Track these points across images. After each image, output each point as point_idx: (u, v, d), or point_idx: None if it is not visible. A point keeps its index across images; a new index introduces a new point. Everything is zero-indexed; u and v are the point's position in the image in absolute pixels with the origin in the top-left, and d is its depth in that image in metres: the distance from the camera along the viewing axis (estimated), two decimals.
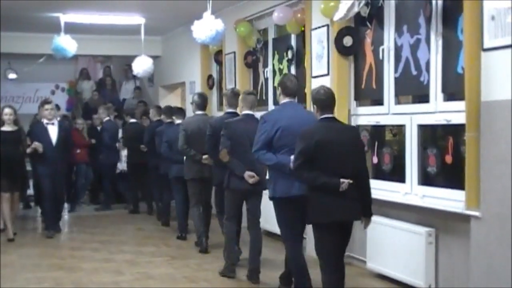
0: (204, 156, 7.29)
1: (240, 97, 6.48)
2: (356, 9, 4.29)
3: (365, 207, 4.86)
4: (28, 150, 8.71)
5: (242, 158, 6.03)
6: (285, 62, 8.42)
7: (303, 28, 7.81)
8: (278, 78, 8.67)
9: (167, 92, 13.73)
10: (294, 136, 4.97)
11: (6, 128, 8.55)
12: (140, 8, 9.90)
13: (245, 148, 5.89)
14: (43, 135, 8.75)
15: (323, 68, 7.18)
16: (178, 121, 8.64)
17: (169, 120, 9.21)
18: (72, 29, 10.22)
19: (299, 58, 8.10)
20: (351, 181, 4.66)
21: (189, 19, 8.20)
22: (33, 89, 15.41)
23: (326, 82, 7.09)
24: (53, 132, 8.81)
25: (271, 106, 8.90)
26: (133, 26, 10.93)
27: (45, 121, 8.88)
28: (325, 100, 4.88)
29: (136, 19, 10.61)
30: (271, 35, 8.98)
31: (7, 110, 8.64)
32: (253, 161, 5.67)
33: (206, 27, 7.08)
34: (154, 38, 12.79)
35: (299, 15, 7.76)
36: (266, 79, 9.08)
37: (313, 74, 7.37)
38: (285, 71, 8.47)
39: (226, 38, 9.06)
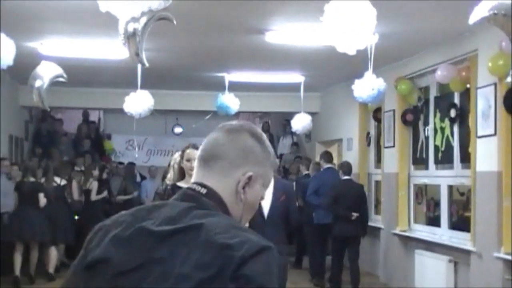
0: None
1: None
2: None
3: (363, 229, 8.82)
4: None
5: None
6: (447, 121, 8.17)
7: (467, 86, 7.57)
8: (439, 136, 8.42)
9: (323, 147, 13.75)
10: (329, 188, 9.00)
11: (186, 184, 4.28)
12: (300, 66, 10.11)
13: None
14: None
15: (489, 128, 6.87)
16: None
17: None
18: (235, 87, 10.67)
19: (463, 117, 7.82)
20: (357, 214, 8.54)
21: (349, 76, 8.25)
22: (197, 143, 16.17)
23: (493, 142, 6.78)
24: (265, 198, 4.32)
25: (431, 165, 8.64)
26: (292, 84, 11.17)
27: None
28: (346, 168, 8.96)
29: (296, 77, 10.83)
30: (433, 93, 8.77)
31: (190, 152, 4.95)
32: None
33: (368, 86, 7.05)
34: (313, 95, 12.94)
35: (463, 73, 7.51)
36: (427, 138, 8.83)
37: (479, 134, 7.08)
38: (447, 130, 8.21)
39: (386, 95, 8.94)
